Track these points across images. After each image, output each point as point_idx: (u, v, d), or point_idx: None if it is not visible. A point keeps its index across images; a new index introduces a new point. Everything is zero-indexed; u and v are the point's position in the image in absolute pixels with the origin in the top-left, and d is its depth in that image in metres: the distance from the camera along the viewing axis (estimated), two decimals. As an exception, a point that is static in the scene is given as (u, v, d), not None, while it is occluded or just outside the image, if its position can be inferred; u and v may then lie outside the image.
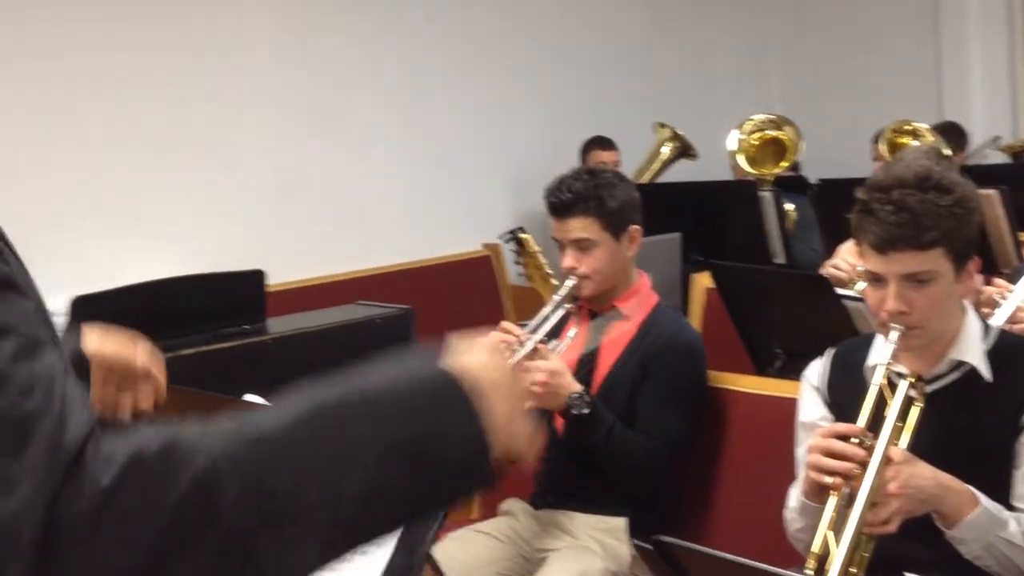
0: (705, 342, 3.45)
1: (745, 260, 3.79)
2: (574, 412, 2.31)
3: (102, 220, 3.98)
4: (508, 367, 0.95)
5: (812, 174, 4.89)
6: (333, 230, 4.59)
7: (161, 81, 4.14)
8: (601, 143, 5.01)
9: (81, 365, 1.44)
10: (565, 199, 2.42)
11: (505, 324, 2.33)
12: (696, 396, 2.46)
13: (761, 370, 2.86)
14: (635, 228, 2.48)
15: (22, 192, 3.77)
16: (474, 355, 0.92)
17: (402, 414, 0.86)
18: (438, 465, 0.87)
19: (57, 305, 3.16)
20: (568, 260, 2.44)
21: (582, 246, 2.43)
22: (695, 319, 3.54)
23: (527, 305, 3.89)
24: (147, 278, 3.12)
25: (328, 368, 3.01)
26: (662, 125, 5.24)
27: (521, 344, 2.28)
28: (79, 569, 0.75)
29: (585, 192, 2.41)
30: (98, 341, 1.48)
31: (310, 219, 4.55)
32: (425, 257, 4.81)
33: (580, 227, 2.42)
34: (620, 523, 2.41)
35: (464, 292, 4.71)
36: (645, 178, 5.12)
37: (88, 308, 2.72)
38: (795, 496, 1.91)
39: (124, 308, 2.83)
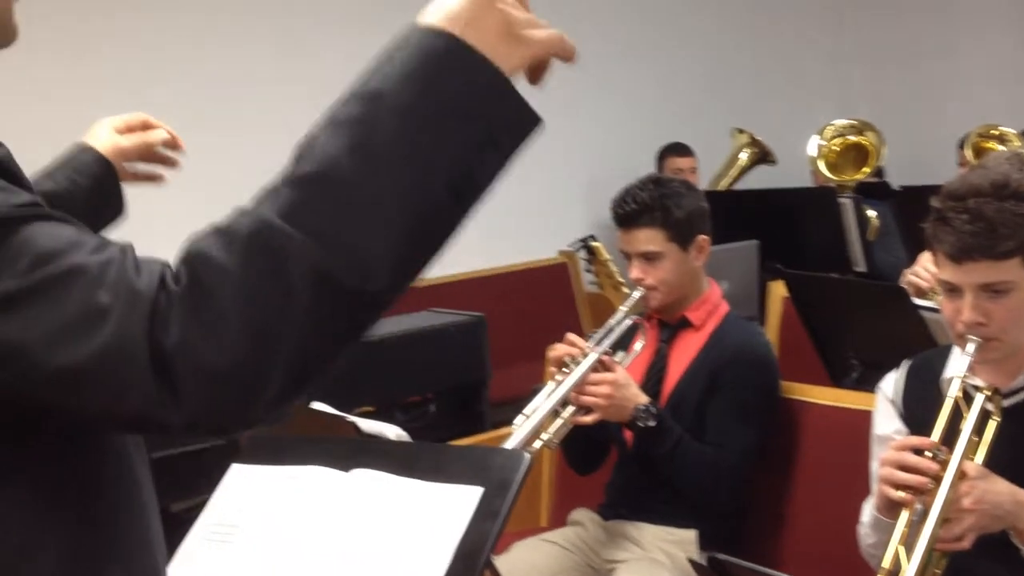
0: (782, 352, 3.40)
1: (825, 268, 3.74)
2: (640, 425, 2.29)
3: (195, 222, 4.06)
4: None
5: (897, 180, 4.79)
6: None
7: (219, 82, 4.20)
8: (677, 149, 4.96)
9: (108, 177, 1.59)
10: (630, 210, 2.39)
11: (570, 336, 2.32)
12: (767, 407, 2.42)
13: (837, 381, 2.81)
14: (703, 238, 2.45)
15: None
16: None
17: (414, 92, 0.84)
18: (469, 117, 0.86)
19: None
20: (635, 271, 2.42)
21: (648, 257, 2.40)
22: (772, 328, 3.49)
23: (604, 313, 3.87)
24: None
25: (400, 375, 3.04)
26: (740, 131, 5.18)
27: (585, 356, 2.26)
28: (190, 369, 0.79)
29: (650, 202, 2.38)
30: (110, 133, 1.62)
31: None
32: (501, 264, 4.82)
33: (645, 238, 2.40)
34: (690, 535, 2.38)
35: (539, 300, 4.71)
36: (722, 185, 5.06)
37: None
38: (868, 511, 1.88)
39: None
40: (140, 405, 0.80)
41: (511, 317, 4.31)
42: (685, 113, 5.41)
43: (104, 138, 1.61)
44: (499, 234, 4.88)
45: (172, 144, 1.68)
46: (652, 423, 2.28)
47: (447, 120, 0.85)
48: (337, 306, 0.83)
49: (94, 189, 1.56)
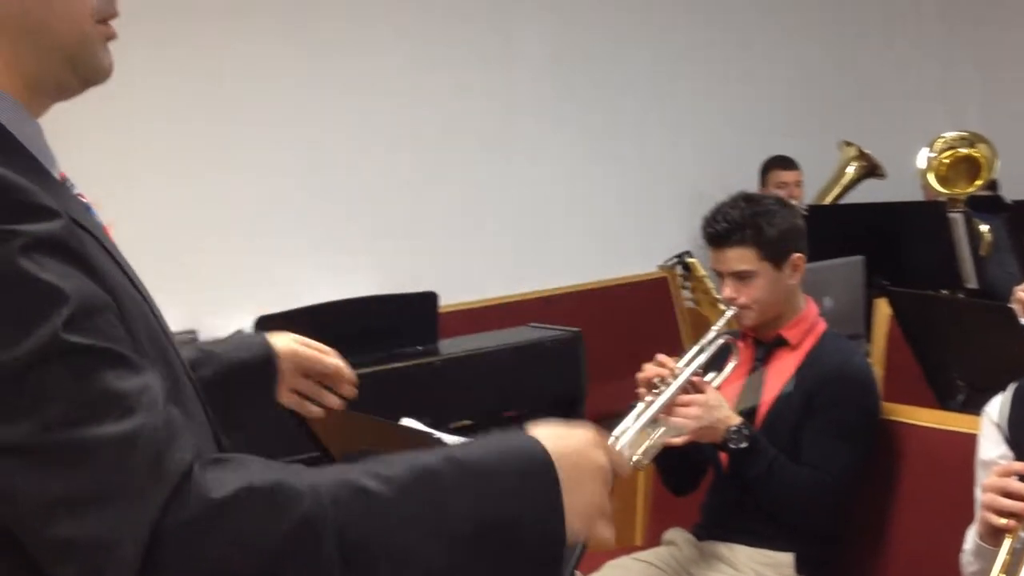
0: (888, 372, 3.31)
1: (935, 285, 3.64)
2: (732, 446, 2.26)
3: (285, 242, 4.17)
4: (603, 459, 0.96)
5: (1010, 193, 4.62)
6: (509, 251, 4.66)
7: (338, 108, 4.29)
8: (782, 163, 4.88)
9: (266, 364, 1.50)
10: (721, 229, 2.36)
11: (660, 356, 2.30)
12: (865, 428, 2.36)
13: (943, 403, 2.73)
14: (798, 256, 2.40)
15: (211, 215, 4.01)
16: (573, 439, 0.95)
17: (498, 492, 0.89)
18: (517, 547, 0.89)
19: (244, 324, 3.36)
20: (727, 290, 2.39)
21: (741, 276, 2.37)
22: (878, 347, 3.41)
23: (704, 329, 3.82)
24: (326, 299, 3.26)
25: (496, 389, 3.06)
26: (848, 143, 5.07)
27: (675, 376, 2.24)
28: None
29: (742, 221, 2.35)
30: (292, 341, 1.54)
31: (488, 240, 4.63)
32: (601, 279, 4.81)
33: (737, 257, 2.36)
34: (786, 558, 2.34)
35: (639, 315, 4.68)
36: (829, 199, 4.96)
37: (272, 326, 2.86)
38: (971, 538, 1.83)
39: (305, 327, 2.96)
40: None
41: (610, 332, 4.30)
42: (791, 126, 5.32)
43: (283, 340, 1.53)
44: (599, 248, 4.89)
45: (343, 380, 1.61)
46: (744, 444, 2.25)
47: (505, 554, 0.89)
48: None
49: (246, 366, 1.48)
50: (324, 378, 1.58)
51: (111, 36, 1.02)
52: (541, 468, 0.92)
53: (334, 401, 1.60)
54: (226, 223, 4.03)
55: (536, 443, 0.94)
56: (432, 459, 0.90)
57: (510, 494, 0.89)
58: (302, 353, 1.54)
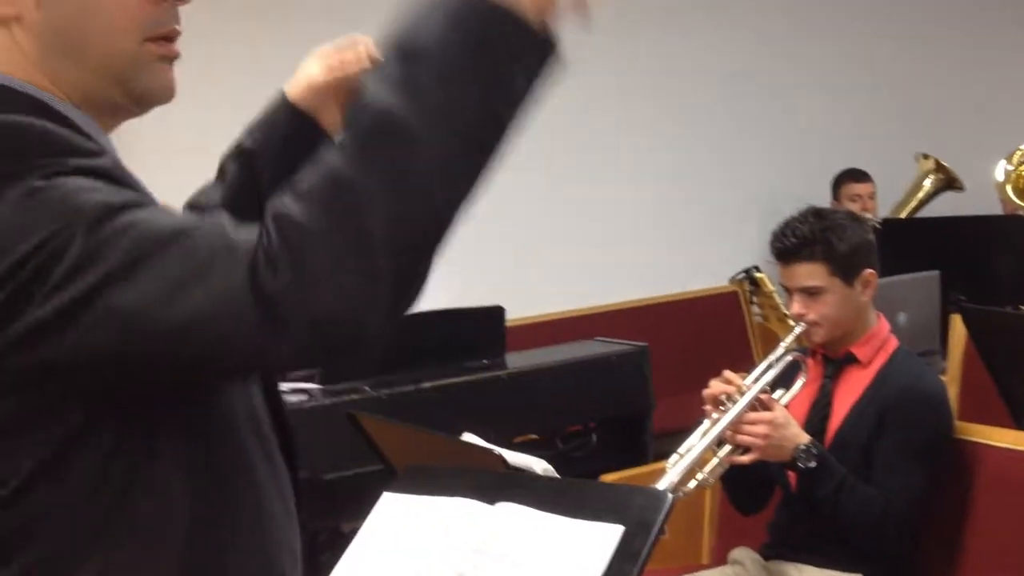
0: (963, 390, 3.24)
1: (1013, 300, 3.55)
2: (800, 466, 2.22)
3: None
4: None
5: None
6: (576, 265, 4.65)
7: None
8: (854, 175, 4.80)
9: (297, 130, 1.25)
10: (790, 244, 2.33)
11: (727, 373, 2.27)
12: (938, 449, 2.31)
13: (1019, 423, 2.66)
14: (869, 272, 2.35)
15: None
16: None
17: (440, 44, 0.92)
18: (489, 55, 0.93)
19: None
20: (796, 306, 2.35)
21: (810, 292, 2.33)
22: (954, 364, 3.34)
23: (775, 345, 3.78)
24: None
25: (562, 404, 3.06)
26: (925, 156, 4.97)
27: (742, 393, 2.22)
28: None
29: (811, 236, 2.31)
30: (304, 77, 1.26)
31: (556, 253, 4.62)
32: (670, 292, 4.78)
33: (807, 273, 2.32)
34: (855, 580, 2.30)
35: (709, 329, 4.64)
36: (904, 212, 4.87)
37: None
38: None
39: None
40: (249, 345, 0.88)
41: (679, 346, 4.27)
42: (865, 137, 5.23)
43: (302, 79, 1.26)
44: (670, 262, 4.86)
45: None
46: (813, 464, 2.21)
47: (479, 61, 0.93)
48: (415, 234, 0.93)
49: (282, 156, 1.23)
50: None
51: (169, 56, 1.01)
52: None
53: None
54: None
55: None
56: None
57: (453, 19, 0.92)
58: (320, 84, 1.24)
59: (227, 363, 0.92)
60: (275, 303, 0.87)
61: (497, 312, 3.36)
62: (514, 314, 3.59)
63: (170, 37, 1.01)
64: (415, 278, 0.94)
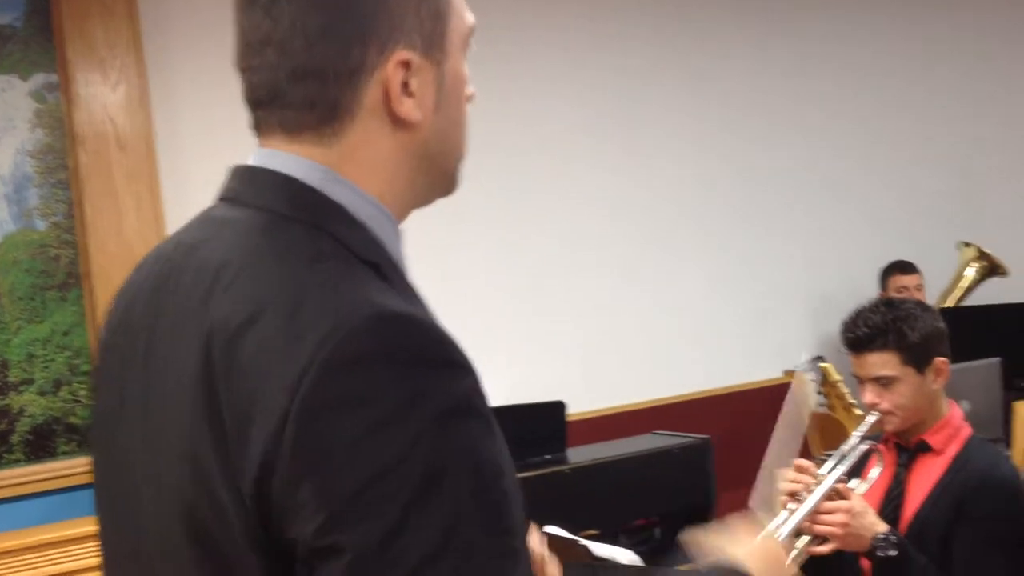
0: (1030, 477, 3.19)
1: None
2: (879, 555, 2.21)
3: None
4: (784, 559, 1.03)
5: None
6: (635, 359, 4.66)
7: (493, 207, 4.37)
8: (901, 267, 4.81)
9: None
10: (862, 334, 2.35)
11: (801, 463, 2.27)
12: (1019, 539, 2.28)
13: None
14: (941, 360, 2.37)
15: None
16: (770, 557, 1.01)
17: None
18: None
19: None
20: (869, 396, 2.36)
21: (883, 382, 2.34)
22: (1018, 451, 3.31)
23: (831, 434, 3.76)
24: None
25: (624, 498, 3.06)
26: (966, 244, 4.98)
27: (817, 483, 2.22)
28: None
29: (883, 326, 2.33)
30: None
31: (615, 347, 4.64)
32: (724, 385, 4.78)
33: (879, 363, 2.34)
34: (938, 671, 2.25)
35: (765, 421, 4.61)
36: (950, 302, 4.86)
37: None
38: None
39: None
40: None
41: (737, 438, 4.25)
42: (909, 227, 5.26)
43: None
44: (723, 355, 4.86)
45: None
46: (893, 552, 2.20)
47: None
48: None
49: None
50: None
51: None
52: None
53: None
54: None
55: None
56: None
57: None
58: None
59: None
60: None
61: (558, 407, 3.39)
62: (574, 408, 3.61)
63: None
64: None
